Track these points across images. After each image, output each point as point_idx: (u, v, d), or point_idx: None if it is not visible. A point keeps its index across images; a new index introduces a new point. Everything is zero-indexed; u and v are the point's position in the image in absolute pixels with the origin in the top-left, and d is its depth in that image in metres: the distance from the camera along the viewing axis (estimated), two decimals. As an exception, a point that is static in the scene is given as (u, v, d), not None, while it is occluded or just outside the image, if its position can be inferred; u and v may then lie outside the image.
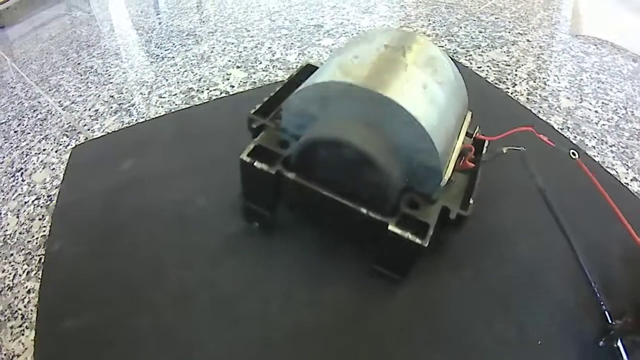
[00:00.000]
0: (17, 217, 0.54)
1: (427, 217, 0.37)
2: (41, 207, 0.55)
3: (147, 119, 0.68)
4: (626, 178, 0.58)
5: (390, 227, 0.36)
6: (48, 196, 0.56)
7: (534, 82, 0.77)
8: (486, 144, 0.46)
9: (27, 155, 0.64)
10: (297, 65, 0.80)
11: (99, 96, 0.76)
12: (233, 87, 0.75)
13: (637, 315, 0.40)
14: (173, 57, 0.86)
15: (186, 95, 0.73)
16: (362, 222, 0.38)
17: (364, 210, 0.38)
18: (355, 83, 0.36)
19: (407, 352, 0.40)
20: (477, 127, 0.47)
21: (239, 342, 0.40)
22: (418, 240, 0.35)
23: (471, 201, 0.39)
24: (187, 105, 0.70)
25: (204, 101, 0.71)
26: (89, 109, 0.72)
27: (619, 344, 0.39)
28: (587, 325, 0.42)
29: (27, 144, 0.66)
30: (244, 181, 0.43)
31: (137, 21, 1.08)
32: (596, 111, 0.70)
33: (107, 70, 0.84)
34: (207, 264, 0.45)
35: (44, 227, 0.52)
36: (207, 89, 0.75)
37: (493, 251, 0.47)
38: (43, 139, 0.67)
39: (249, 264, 0.45)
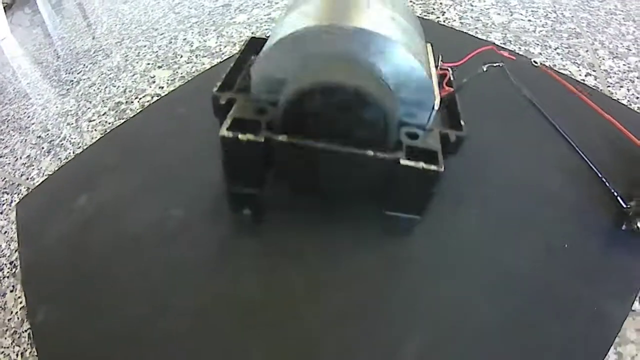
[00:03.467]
0: (-16, 297, 0.44)
1: (431, 144, 0.33)
2: (7, 277, 0.45)
3: (85, 147, 0.57)
4: (580, 75, 0.57)
5: (402, 162, 0.32)
6: (11, 263, 0.46)
7: (461, 6, 0.74)
8: (451, 72, 0.43)
9: (-29, 229, 0.52)
10: (220, 49, 0.72)
11: (25, 141, 0.63)
12: (162, 88, 0.65)
13: None
14: (89, 78, 0.73)
15: (116, 111, 0.62)
16: (367, 168, 0.33)
17: (370, 153, 0.32)
18: (324, 23, 0.31)
19: (446, 291, 0.36)
20: (440, 56, 0.44)
21: (280, 344, 0.33)
22: (434, 167, 0.32)
23: (462, 122, 0.36)
24: (122, 120, 0.60)
25: (138, 111, 0.61)
26: (20, 157, 0.60)
27: (639, 224, 0.38)
28: (605, 216, 0.40)
29: (-32, 218, 0.54)
30: (227, 161, 0.35)
31: (37, 56, 0.91)
32: (529, 20, 0.69)
33: (24, 113, 0.70)
34: (211, 277, 0.38)
35: (19, 297, 0.42)
36: (137, 98, 0.64)
37: (494, 173, 0.44)
38: (-18, 206, 0.54)
39: (256, 262, 0.38)
